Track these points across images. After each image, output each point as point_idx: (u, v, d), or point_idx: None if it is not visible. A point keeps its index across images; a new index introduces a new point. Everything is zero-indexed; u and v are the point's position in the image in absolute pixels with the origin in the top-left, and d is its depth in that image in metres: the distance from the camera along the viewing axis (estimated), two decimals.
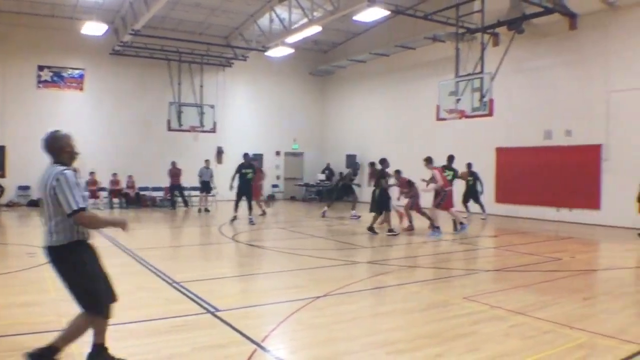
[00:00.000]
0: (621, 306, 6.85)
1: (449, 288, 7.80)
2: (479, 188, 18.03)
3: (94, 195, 21.57)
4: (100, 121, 23.75)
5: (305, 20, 20.15)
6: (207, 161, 21.51)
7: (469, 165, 18.05)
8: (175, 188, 21.79)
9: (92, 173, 21.68)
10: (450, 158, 15.09)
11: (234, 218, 16.38)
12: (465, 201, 18.09)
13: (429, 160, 13.96)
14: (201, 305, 6.61)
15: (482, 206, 18.00)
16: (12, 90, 21.91)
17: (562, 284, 8.13)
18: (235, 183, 16.41)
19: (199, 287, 7.64)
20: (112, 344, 5.19)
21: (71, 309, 6.43)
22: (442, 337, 5.49)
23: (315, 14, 19.55)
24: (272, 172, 27.84)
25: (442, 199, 13.65)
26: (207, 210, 20.57)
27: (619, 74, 16.10)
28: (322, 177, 27.26)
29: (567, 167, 17.25)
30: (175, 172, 21.52)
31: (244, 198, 16.47)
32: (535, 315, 6.25)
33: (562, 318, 6.15)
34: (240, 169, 16.50)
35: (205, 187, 20.93)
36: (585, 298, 7.33)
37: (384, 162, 14.15)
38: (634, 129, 15.73)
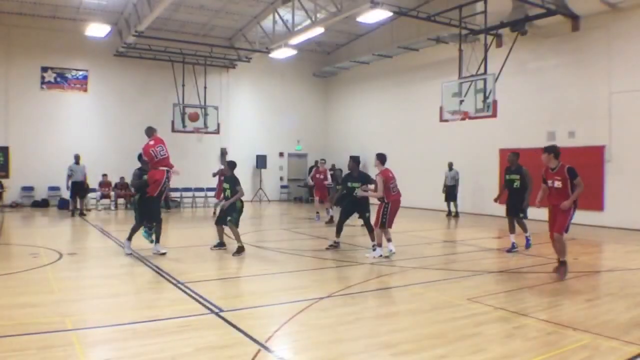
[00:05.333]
0: (624, 308, 6.84)
1: (453, 289, 7.80)
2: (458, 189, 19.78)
3: (106, 196, 22.00)
4: (104, 122, 23.86)
5: (308, 21, 20.17)
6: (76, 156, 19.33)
7: (450, 165, 19.70)
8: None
9: (104, 175, 22.05)
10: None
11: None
12: (446, 200, 19.80)
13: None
14: (205, 306, 6.63)
15: (456, 205, 19.73)
16: (15, 92, 21.99)
17: (565, 286, 8.12)
18: None
19: (202, 287, 7.66)
20: (117, 344, 5.23)
21: (74, 310, 6.49)
22: (446, 338, 5.49)
23: (318, 15, 19.56)
24: (276, 173, 27.92)
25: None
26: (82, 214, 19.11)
27: (622, 75, 16.11)
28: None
29: None
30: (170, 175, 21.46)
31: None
32: (539, 317, 6.25)
33: (565, 319, 6.16)
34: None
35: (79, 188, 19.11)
36: (588, 299, 7.32)
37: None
38: (637, 130, 15.72)
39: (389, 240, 10.61)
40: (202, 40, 24.43)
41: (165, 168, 10.55)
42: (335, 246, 11.56)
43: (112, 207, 21.87)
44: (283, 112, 28.29)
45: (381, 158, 10.64)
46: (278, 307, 6.86)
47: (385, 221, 10.35)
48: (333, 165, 27.18)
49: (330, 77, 29.71)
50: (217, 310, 6.39)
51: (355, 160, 11.47)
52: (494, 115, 15.67)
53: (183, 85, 23.64)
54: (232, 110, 26.69)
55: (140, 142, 23.55)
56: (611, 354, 5.06)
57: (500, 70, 16.43)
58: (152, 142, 10.60)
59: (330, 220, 17.25)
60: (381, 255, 10.37)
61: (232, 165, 11.51)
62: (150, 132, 10.93)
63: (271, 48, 23.04)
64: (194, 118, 22.38)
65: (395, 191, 10.47)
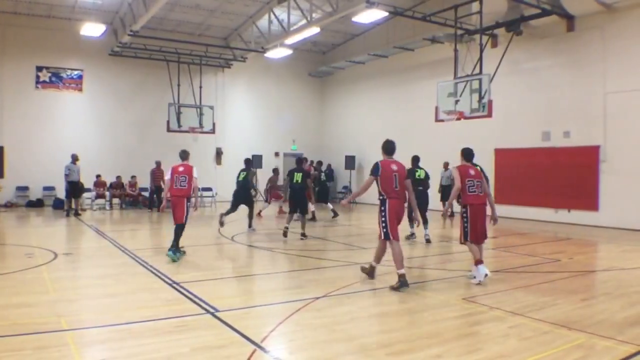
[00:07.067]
0: (619, 307, 6.86)
1: (448, 289, 7.81)
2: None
3: (101, 195, 21.94)
4: (99, 122, 23.78)
5: (304, 21, 20.17)
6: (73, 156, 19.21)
7: (446, 165, 19.71)
8: (158, 189, 20.82)
9: (98, 176, 22.00)
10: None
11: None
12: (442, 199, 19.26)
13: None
14: (201, 306, 6.62)
15: (451, 205, 19.75)
16: (10, 91, 21.91)
17: (561, 285, 8.14)
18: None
19: (198, 287, 7.65)
20: (112, 345, 5.22)
21: (69, 310, 6.48)
22: (441, 337, 5.50)
23: (314, 15, 19.56)
24: (271, 173, 27.83)
25: None
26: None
27: (617, 75, 16.16)
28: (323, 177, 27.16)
29: (565, 168, 17.27)
30: (159, 174, 20.75)
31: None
32: (534, 316, 6.26)
33: (560, 319, 6.17)
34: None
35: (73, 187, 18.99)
36: (583, 299, 7.34)
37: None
38: (632, 130, 15.78)
39: (476, 262, 8.33)
40: (198, 40, 24.41)
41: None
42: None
43: (107, 207, 21.81)
44: (279, 111, 28.27)
45: (463, 152, 9.69)
46: (274, 307, 6.85)
47: (467, 232, 8.47)
48: (329, 165, 27.21)
49: (326, 76, 29.72)
50: (212, 311, 6.38)
51: (414, 159, 13.07)
52: (489, 115, 15.71)
53: (178, 85, 23.57)
54: (228, 110, 26.66)
55: (135, 142, 23.80)
56: (606, 354, 5.07)
57: (496, 71, 16.48)
58: (181, 169, 10.33)
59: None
60: (487, 275, 8.16)
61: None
62: (185, 155, 10.78)
63: (267, 48, 23.04)
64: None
65: (473, 191, 8.62)
